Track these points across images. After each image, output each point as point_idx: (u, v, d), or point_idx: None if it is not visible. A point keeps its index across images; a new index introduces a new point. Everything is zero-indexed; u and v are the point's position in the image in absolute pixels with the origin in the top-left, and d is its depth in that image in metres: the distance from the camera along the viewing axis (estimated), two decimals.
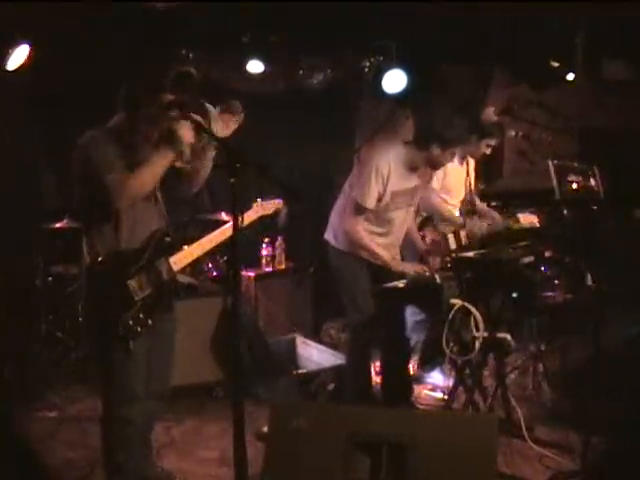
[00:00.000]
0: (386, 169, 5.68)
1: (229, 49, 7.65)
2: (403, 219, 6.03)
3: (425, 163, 5.84)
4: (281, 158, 8.18)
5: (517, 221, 6.58)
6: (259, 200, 5.46)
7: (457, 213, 6.83)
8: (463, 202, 6.93)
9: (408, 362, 6.51)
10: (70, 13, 6.22)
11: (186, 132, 4.20)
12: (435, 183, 6.45)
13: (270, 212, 5.52)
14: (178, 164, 4.31)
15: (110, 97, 4.40)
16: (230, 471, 3.75)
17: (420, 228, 6.60)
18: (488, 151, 6.75)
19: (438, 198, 6.59)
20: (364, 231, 5.83)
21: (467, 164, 6.83)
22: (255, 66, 7.81)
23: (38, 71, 6.53)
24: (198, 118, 4.23)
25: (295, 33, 7.51)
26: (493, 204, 7.01)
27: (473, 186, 7.00)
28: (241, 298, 6.99)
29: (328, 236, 6.08)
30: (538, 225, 6.57)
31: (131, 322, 4.26)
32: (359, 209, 5.77)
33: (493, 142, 6.71)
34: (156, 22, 6.71)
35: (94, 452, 4.86)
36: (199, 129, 4.23)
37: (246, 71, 7.83)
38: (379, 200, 5.74)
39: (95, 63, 6.71)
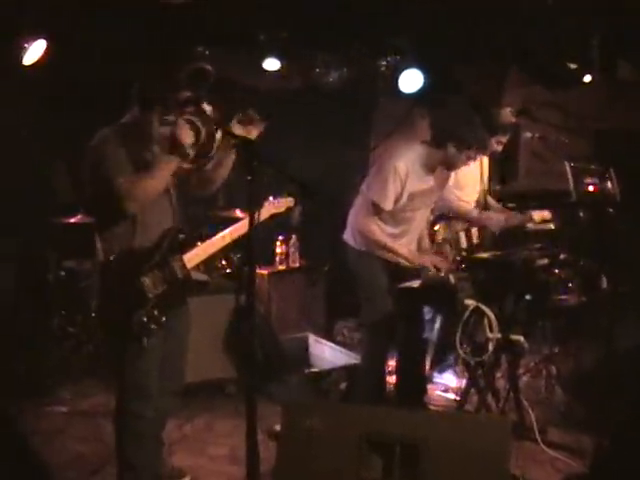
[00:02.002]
0: (404, 170, 5.66)
1: (245, 46, 7.64)
2: (420, 220, 6.02)
3: (441, 163, 5.82)
4: (296, 156, 8.17)
5: (531, 218, 6.54)
6: (270, 198, 5.45)
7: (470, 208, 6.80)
8: (478, 201, 6.90)
9: (424, 363, 6.50)
10: (86, 9, 6.23)
11: (184, 133, 4.16)
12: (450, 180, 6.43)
13: (281, 210, 5.51)
14: (185, 166, 4.29)
15: (125, 94, 4.39)
16: (241, 469, 3.75)
17: (432, 225, 6.57)
18: (499, 148, 6.71)
19: (452, 195, 6.57)
20: (379, 230, 5.81)
21: (481, 162, 6.80)
22: (271, 64, 7.80)
23: (55, 67, 6.53)
24: (192, 116, 4.21)
25: (311, 31, 7.50)
26: (509, 205, 6.96)
27: (487, 186, 6.99)
28: (255, 297, 7.02)
29: (347, 237, 6.06)
30: (550, 218, 6.53)
31: (145, 319, 4.25)
32: (376, 210, 5.75)
33: (503, 139, 6.67)
34: (172, 19, 6.70)
35: (105, 447, 4.87)
36: (196, 126, 4.20)
37: (262, 69, 7.82)
38: (396, 201, 5.73)
39: (111, 60, 6.71)
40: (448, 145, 5.67)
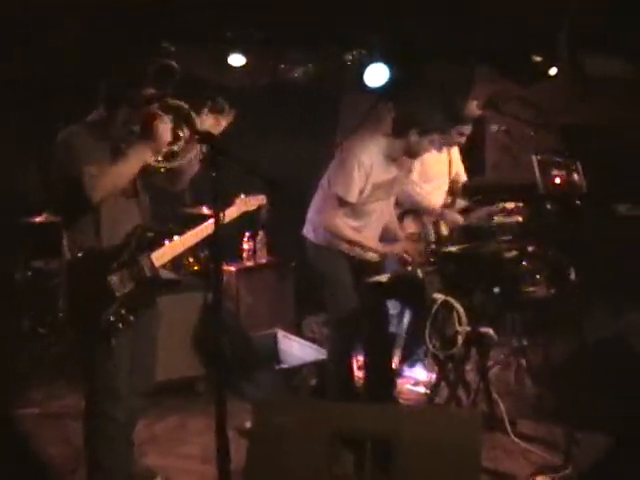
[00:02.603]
0: (369, 162, 5.65)
1: (211, 43, 7.62)
2: (380, 212, 6.00)
3: (404, 152, 5.82)
4: (263, 152, 8.15)
5: (503, 208, 6.56)
6: (242, 196, 5.44)
7: (440, 201, 6.81)
8: (451, 192, 6.92)
9: (391, 357, 6.50)
10: (51, 4, 6.18)
11: (164, 129, 4.16)
12: (414, 175, 6.42)
13: (253, 208, 5.50)
14: (153, 161, 4.26)
15: (92, 91, 4.36)
16: (213, 467, 3.73)
17: (400, 220, 6.57)
18: (462, 139, 6.70)
19: (417, 188, 6.57)
20: (344, 225, 5.79)
21: (449, 155, 6.80)
22: (237, 60, 7.78)
23: (19, 66, 6.48)
24: (176, 117, 4.20)
25: (277, 27, 7.48)
26: (475, 199, 6.97)
27: (461, 177, 6.99)
28: (223, 294, 6.99)
29: (307, 232, 6.04)
30: (522, 207, 6.55)
31: (113, 319, 4.22)
32: (341, 203, 5.73)
33: (466, 131, 6.67)
34: (137, 15, 6.67)
35: (77, 450, 4.83)
36: (183, 123, 4.20)
37: (228, 65, 7.80)
38: (360, 193, 5.71)
39: (77, 56, 6.67)
40: (410, 132, 5.66)
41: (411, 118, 5.69)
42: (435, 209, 6.65)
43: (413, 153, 5.86)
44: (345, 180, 5.68)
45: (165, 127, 4.17)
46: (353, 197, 5.68)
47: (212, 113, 4.40)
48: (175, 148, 4.28)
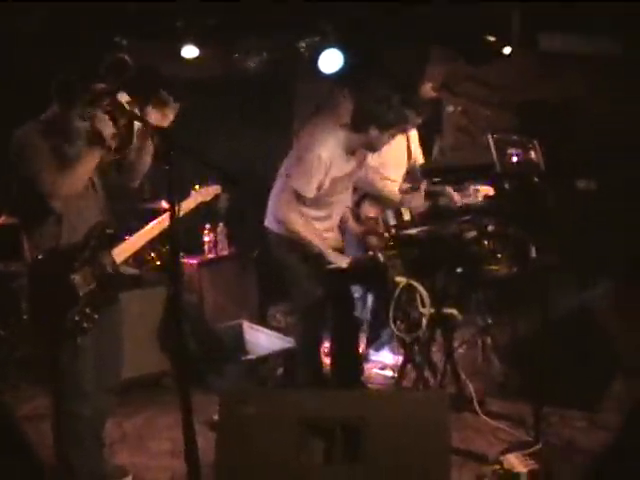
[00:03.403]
0: (328, 157, 5.61)
1: (163, 35, 7.57)
2: (341, 202, 6.00)
3: (364, 146, 5.81)
4: (220, 143, 8.13)
5: (477, 192, 6.59)
6: (197, 187, 5.41)
7: (397, 188, 6.80)
8: (405, 177, 6.91)
9: (358, 342, 6.50)
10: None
11: (104, 125, 4.11)
12: (370, 160, 6.39)
13: (209, 199, 5.47)
14: (106, 157, 4.23)
15: (45, 87, 4.32)
16: (184, 462, 3.71)
17: (357, 205, 6.56)
18: (418, 120, 6.71)
19: (374, 175, 6.55)
20: (300, 218, 5.74)
21: (407, 138, 6.80)
22: (190, 51, 7.74)
23: None
24: (109, 106, 4.16)
25: (229, 16, 7.45)
26: (434, 180, 6.98)
27: (418, 160, 6.99)
28: (183, 288, 6.98)
29: (268, 222, 6.00)
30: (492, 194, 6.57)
31: (77, 318, 4.21)
32: (298, 197, 5.71)
33: (419, 119, 6.68)
34: (88, 8, 6.61)
35: (48, 450, 4.78)
36: (133, 119, 4.17)
37: (181, 57, 7.76)
38: (319, 188, 5.69)
39: (28, 52, 6.61)
40: (370, 128, 5.65)
41: (370, 114, 5.66)
42: (395, 198, 6.61)
43: (373, 147, 5.85)
44: (303, 175, 5.65)
45: (104, 121, 4.11)
46: (310, 192, 5.66)
47: (156, 107, 4.37)
48: (122, 135, 4.24)
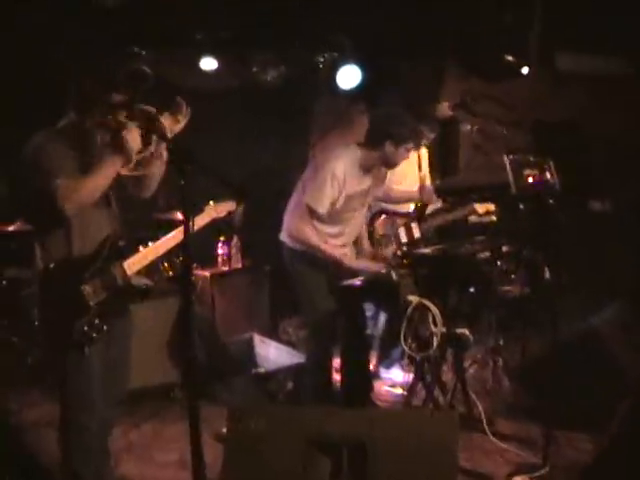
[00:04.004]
0: (342, 174, 5.65)
1: (182, 46, 7.60)
2: (356, 219, 6.02)
3: (380, 162, 5.83)
4: (236, 156, 8.14)
5: (474, 211, 6.57)
6: (211, 202, 5.41)
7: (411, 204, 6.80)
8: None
9: (368, 359, 6.50)
10: (19, 8, 6.15)
11: (134, 137, 4.13)
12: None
13: (223, 215, 5.47)
14: (124, 171, 4.22)
15: (61, 96, 4.32)
16: (190, 474, 3.70)
17: (370, 222, 6.56)
18: (430, 139, 6.72)
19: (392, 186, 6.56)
20: (313, 232, 5.78)
21: (419, 155, 6.79)
22: (208, 63, 7.77)
23: None
24: (146, 124, 4.17)
25: (248, 29, 7.47)
26: (449, 200, 6.98)
27: (427, 179, 6.99)
28: (194, 300, 6.97)
29: (283, 236, 6.03)
30: (493, 210, 6.56)
31: (86, 328, 4.19)
32: (311, 213, 5.73)
33: (433, 132, 6.69)
34: (107, 19, 6.64)
35: (54, 458, 4.78)
36: (149, 131, 4.17)
37: (199, 68, 7.78)
38: (333, 204, 5.71)
39: (45, 61, 6.63)
40: (385, 144, 5.67)
41: (386, 129, 5.70)
42: (412, 196, 6.62)
43: (390, 163, 5.88)
44: (317, 192, 5.69)
45: (134, 136, 4.14)
46: (323, 208, 5.69)
47: (171, 114, 4.37)
48: (146, 154, 4.25)
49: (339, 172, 5.64)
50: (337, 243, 5.91)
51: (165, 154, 4.37)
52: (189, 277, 3.83)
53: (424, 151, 6.89)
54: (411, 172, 6.82)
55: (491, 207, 6.56)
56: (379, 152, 5.73)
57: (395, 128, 5.67)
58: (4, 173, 7.26)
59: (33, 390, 6.56)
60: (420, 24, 7.46)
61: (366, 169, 5.81)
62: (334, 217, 5.81)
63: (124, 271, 4.40)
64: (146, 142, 4.19)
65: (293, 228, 5.84)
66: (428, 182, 6.99)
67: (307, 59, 8.27)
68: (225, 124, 8.03)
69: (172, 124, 4.36)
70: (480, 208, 6.59)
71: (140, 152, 4.17)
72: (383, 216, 6.57)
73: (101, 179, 4.15)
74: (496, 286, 5.57)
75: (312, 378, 6.15)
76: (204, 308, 7.38)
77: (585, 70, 8.32)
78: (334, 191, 5.65)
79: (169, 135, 4.22)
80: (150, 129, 4.16)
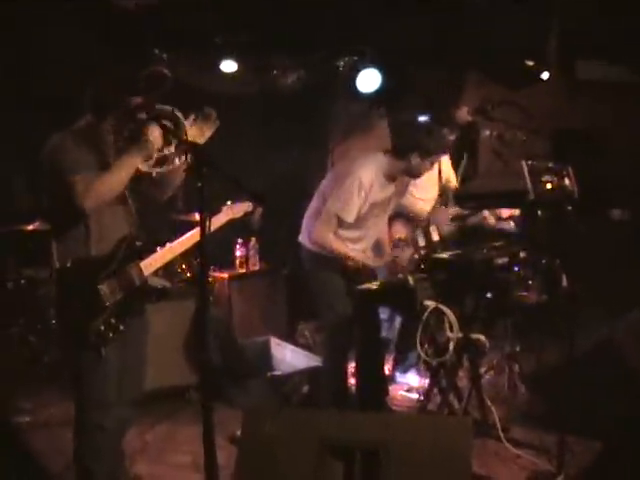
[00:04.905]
0: (369, 182, 5.71)
1: (202, 49, 7.61)
2: (377, 225, 6.06)
3: (405, 172, 5.87)
4: (255, 159, 8.15)
5: (499, 216, 6.58)
6: (229, 203, 5.42)
7: (429, 208, 6.80)
8: (438, 199, 6.91)
9: (383, 363, 6.50)
10: (40, 11, 6.17)
11: (156, 137, 4.13)
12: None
13: (239, 215, 5.47)
14: (144, 167, 4.22)
15: (80, 97, 4.33)
16: (204, 476, 3.70)
17: (389, 225, 6.57)
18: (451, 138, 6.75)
19: (407, 195, 6.56)
20: (334, 236, 5.81)
21: (439, 162, 6.79)
22: (228, 66, 7.79)
23: (7, 70, 6.46)
24: (167, 122, 4.17)
25: (268, 33, 7.48)
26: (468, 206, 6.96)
27: (451, 182, 6.97)
28: (211, 302, 6.99)
29: (302, 239, 6.05)
30: (517, 215, 6.56)
31: (102, 328, 4.19)
32: (339, 221, 5.77)
33: (451, 137, 6.71)
34: (128, 22, 6.66)
35: (67, 458, 4.80)
36: (168, 134, 4.17)
37: (219, 71, 7.79)
38: (358, 212, 5.74)
39: (66, 62, 6.65)
40: (412, 155, 5.70)
41: (412, 141, 5.74)
42: (424, 215, 6.65)
43: (414, 174, 5.93)
44: (344, 201, 5.74)
45: (156, 133, 4.15)
46: (351, 217, 5.75)
47: (198, 123, 4.36)
48: (166, 152, 4.25)
49: (366, 181, 5.69)
50: (357, 248, 5.94)
51: (182, 159, 4.37)
52: (205, 277, 3.82)
53: (444, 157, 6.88)
54: (432, 178, 6.81)
55: (516, 212, 6.56)
56: (405, 163, 5.77)
57: (423, 140, 5.71)
58: (23, 172, 7.30)
59: (50, 388, 6.59)
60: (440, 29, 7.44)
61: (390, 178, 5.85)
62: (356, 223, 5.85)
63: (141, 271, 4.41)
64: (166, 141, 4.20)
65: (316, 234, 5.86)
66: (453, 183, 6.97)
67: (327, 63, 8.26)
68: (244, 128, 8.03)
69: (197, 134, 4.35)
70: (505, 212, 6.59)
71: (160, 150, 4.18)
72: (401, 219, 6.59)
73: (120, 175, 4.13)
74: (513, 292, 5.54)
75: (328, 382, 6.17)
76: (221, 310, 7.38)
77: (604, 78, 8.30)
78: (361, 199, 5.72)
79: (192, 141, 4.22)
80: (170, 130, 4.16)
